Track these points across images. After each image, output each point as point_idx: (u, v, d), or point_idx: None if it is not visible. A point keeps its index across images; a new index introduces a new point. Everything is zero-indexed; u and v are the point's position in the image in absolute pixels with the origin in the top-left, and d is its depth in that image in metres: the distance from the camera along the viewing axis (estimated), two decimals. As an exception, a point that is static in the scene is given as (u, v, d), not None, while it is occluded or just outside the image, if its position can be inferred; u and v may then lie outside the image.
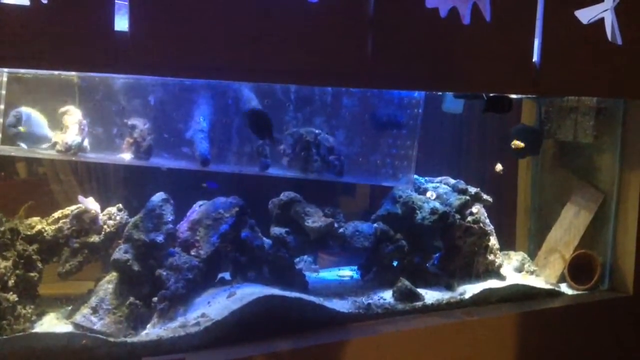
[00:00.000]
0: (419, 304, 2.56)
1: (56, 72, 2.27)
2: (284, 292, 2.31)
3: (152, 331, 2.13)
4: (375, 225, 2.71)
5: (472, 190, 2.94)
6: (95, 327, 2.12)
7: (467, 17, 2.20)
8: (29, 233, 2.23)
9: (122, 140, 2.44)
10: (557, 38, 2.44)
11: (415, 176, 2.90)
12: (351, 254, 2.88)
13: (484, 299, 2.69)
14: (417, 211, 2.74)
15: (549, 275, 3.04)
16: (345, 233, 2.63)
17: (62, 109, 2.37)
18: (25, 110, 2.33)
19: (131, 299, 2.19)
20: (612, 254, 2.99)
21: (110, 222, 2.36)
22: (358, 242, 2.64)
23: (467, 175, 3.12)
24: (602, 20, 2.49)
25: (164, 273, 2.26)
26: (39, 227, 2.25)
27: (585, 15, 2.46)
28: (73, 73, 2.30)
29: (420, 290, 2.63)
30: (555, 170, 3.30)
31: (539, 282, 2.99)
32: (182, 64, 1.90)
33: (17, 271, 2.15)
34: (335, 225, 2.60)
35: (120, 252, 2.24)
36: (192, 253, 2.37)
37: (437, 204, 2.78)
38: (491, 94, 2.58)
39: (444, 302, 2.60)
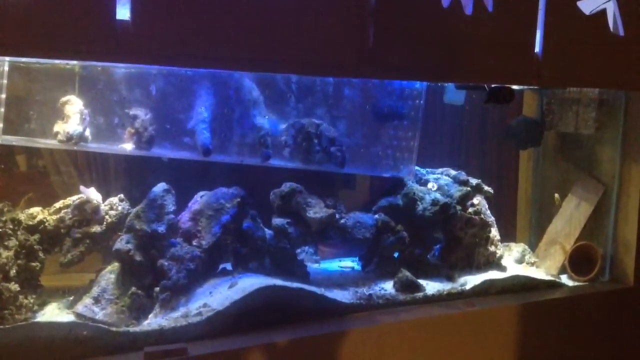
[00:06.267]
0: (420, 294, 2.57)
1: (57, 61, 2.27)
2: (285, 283, 2.32)
3: (154, 321, 2.13)
4: (376, 216, 2.72)
5: (473, 181, 2.95)
6: (97, 317, 2.11)
7: (470, 8, 2.19)
8: (30, 223, 2.22)
9: (124, 130, 2.44)
10: (559, 29, 2.44)
11: (417, 167, 2.90)
12: (352, 245, 2.88)
13: (485, 290, 2.69)
14: (418, 202, 2.74)
15: (550, 267, 3.05)
16: (347, 224, 2.63)
17: (63, 99, 2.36)
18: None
19: (133, 289, 2.19)
20: (613, 246, 3.00)
21: (112, 213, 2.35)
22: (359, 233, 2.64)
23: (469, 166, 3.12)
24: (604, 11, 2.48)
25: (166, 263, 2.26)
26: (40, 217, 2.25)
27: (587, 6, 2.45)
28: (74, 62, 2.29)
29: (421, 281, 2.63)
30: (557, 162, 3.30)
31: (540, 273, 2.99)
32: (183, 54, 1.90)
33: (19, 261, 2.15)
34: (337, 216, 2.60)
35: (122, 243, 2.25)
36: (194, 243, 2.37)
37: (438, 195, 2.78)
38: (493, 85, 2.58)
39: (445, 293, 2.61)
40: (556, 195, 3.14)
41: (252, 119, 2.58)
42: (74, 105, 2.36)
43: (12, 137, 2.37)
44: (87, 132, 2.41)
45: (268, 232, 2.58)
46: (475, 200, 2.90)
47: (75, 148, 2.38)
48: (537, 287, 2.83)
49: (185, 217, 2.43)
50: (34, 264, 2.19)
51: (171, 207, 2.37)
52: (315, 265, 2.90)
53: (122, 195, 2.41)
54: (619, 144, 2.98)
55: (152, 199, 2.34)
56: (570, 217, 3.09)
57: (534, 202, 3.39)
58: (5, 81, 2.33)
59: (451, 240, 2.85)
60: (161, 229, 2.30)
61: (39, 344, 1.89)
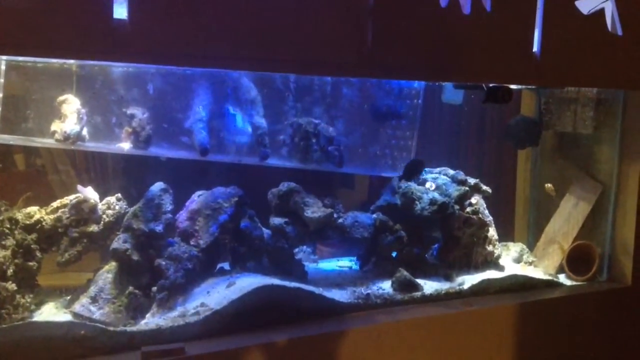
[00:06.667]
0: (418, 294, 2.56)
1: (55, 60, 2.26)
2: (283, 282, 2.31)
3: (151, 320, 2.13)
4: (374, 215, 2.71)
5: (472, 181, 2.94)
6: (94, 317, 2.11)
7: (468, 7, 2.19)
8: (27, 222, 2.22)
9: (121, 129, 2.44)
10: (558, 28, 2.43)
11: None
12: (350, 244, 2.88)
13: (483, 289, 2.69)
14: (417, 202, 2.74)
15: (548, 266, 3.05)
16: (345, 223, 2.62)
17: (61, 98, 2.36)
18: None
19: (130, 288, 2.19)
20: (611, 245, 2.99)
21: (109, 212, 2.35)
22: (357, 233, 2.63)
23: (467, 166, 3.11)
24: (602, 10, 2.48)
25: (163, 263, 2.25)
26: (37, 216, 2.24)
27: (585, 5, 2.45)
28: (72, 61, 2.29)
29: (419, 281, 2.63)
30: (555, 161, 3.30)
31: (538, 272, 2.99)
32: (181, 53, 1.89)
33: (16, 260, 2.15)
34: (335, 215, 2.59)
35: (120, 242, 2.24)
36: (192, 243, 2.36)
37: (436, 195, 2.78)
38: (491, 85, 2.57)
39: (443, 292, 2.61)
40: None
41: (250, 118, 2.58)
42: (72, 105, 2.36)
43: (10, 136, 2.37)
44: (85, 132, 2.41)
45: (266, 232, 2.58)
46: (474, 200, 2.90)
47: (72, 147, 2.38)
48: (535, 286, 2.82)
49: (182, 217, 2.43)
50: (31, 263, 2.19)
51: (169, 207, 2.36)
52: (313, 265, 2.90)
53: (119, 195, 2.41)
54: (617, 144, 2.97)
55: (149, 198, 2.34)
56: (569, 216, 3.09)
57: (532, 202, 3.38)
58: (2, 80, 2.33)
59: (449, 239, 2.84)
60: (159, 228, 2.29)
61: (36, 344, 1.89)
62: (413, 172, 2.81)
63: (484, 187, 2.97)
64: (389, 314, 2.42)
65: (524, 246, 3.18)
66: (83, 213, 2.30)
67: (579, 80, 2.65)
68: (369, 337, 2.28)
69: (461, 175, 2.95)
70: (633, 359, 2.97)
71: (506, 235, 3.28)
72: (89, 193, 2.32)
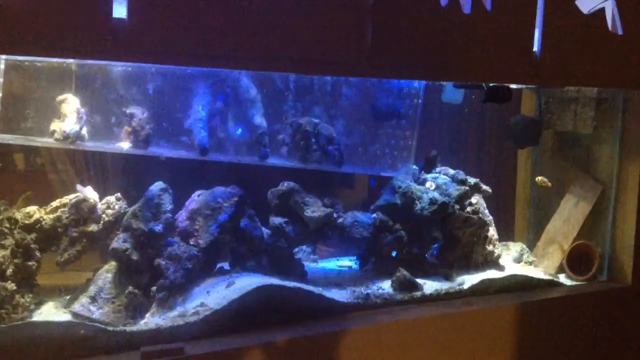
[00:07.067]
0: (418, 294, 2.56)
1: (54, 60, 2.26)
2: (283, 282, 2.31)
3: (150, 320, 2.13)
4: (374, 215, 2.71)
5: (472, 180, 2.94)
6: (93, 316, 2.11)
7: (468, 6, 2.19)
8: (27, 222, 2.22)
9: (121, 129, 2.43)
10: (558, 28, 2.43)
11: (415, 166, 2.89)
12: (350, 244, 2.88)
13: (483, 289, 2.69)
14: (417, 201, 2.74)
15: (548, 266, 3.05)
16: (344, 223, 2.62)
17: (60, 97, 2.36)
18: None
19: (130, 288, 2.19)
20: (611, 245, 2.99)
21: (109, 212, 2.35)
22: (357, 233, 2.63)
23: (467, 165, 3.11)
24: (602, 10, 2.47)
25: (163, 262, 2.25)
26: (37, 216, 2.24)
27: (586, 5, 2.45)
28: (71, 60, 2.29)
29: (419, 281, 2.63)
30: (555, 161, 3.29)
31: (538, 272, 2.99)
32: (181, 52, 1.89)
33: (16, 260, 2.14)
34: (334, 215, 2.59)
35: (119, 242, 2.24)
36: (191, 242, 2.36)
37: (436, 195, 2.78)
38: (491, 84, 2.57)
39: (443, 292, 2.61)
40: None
41: (249, 118, 2.57)
42: (71, 104, 2.36)
43: (9, 135, 2.36)
44: (84, 131, 2.40)
45: (266, 232, 2.57)
46: (474, 200, 2.90)
47: (72, 147, 2.37)
48: (535, 286, 2.82)
49: (182, 216, 2.43)
50: (30, 263, 2.18)
51: (168, 206, 2.36)
52: (313, 265, 2.90)
53: (119, 194, 2.41)
54: (617, 143, 2.97)
55: (149, 197, 2.34)
56: (569, 216, 3.09)
57: (532, 202, 3.38)
58: (2, 80, 2.32)
59: (449, 239, 2.84)
60: (158, 228, 2.29)
61: (36, 344, 1.89)
62: (432, 164, 2.87)
63: (484, 187, 2.97)
64: (389, 313, 2.41)
65: (524, 246, 3.18)
66: (82, 212, 2.30)
67: (579, 79, 2.65)
68: (369, 337, 2.28)
69: (461, 175, 2.95)
70: (633, 359, 2.97)
71: (506, 235, 3.28)
72: (89, 192, 2.31)
